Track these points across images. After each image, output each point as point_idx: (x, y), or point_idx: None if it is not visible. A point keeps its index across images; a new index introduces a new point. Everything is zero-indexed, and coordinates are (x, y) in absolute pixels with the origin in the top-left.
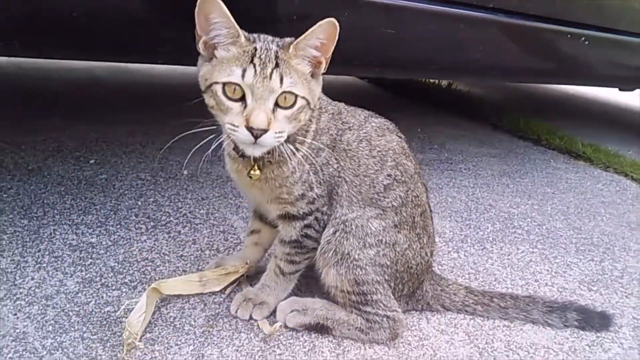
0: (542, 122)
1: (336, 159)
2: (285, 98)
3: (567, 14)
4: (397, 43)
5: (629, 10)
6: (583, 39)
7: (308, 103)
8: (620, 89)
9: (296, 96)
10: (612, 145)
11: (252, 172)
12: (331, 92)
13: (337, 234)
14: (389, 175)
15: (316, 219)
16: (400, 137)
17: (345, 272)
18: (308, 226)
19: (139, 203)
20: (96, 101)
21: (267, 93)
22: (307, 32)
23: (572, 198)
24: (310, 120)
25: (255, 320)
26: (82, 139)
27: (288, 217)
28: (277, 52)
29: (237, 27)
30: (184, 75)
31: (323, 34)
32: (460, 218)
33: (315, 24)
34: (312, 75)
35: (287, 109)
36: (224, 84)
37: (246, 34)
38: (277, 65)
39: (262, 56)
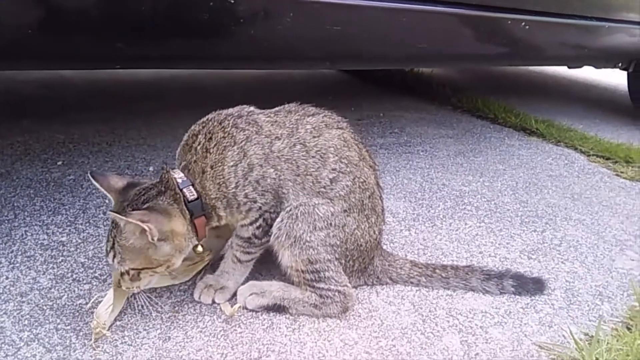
0: (499, 100)
1: (273, 168)
2: None
3: (504, 2)
4: (343, 38)
5: None
6: (523, 24)
7: None
8: (568, 67)
9: None
10: (564, 120)
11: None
12: (298, 78)
13: (284, 220)
14: (334, 169)
15: (264, 219)
16: (341, 129)
17: (299, 253)
18: (258, 227)
19: (107, 201)
20: (64, 102)
21: None
22: None
23: (522, 173)
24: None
25: (218, 304)
26: (49, 140)
27: (242, 225)
28: None
29: None
30: (148, 73)
31: None
32: (414, 198)
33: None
34: None
35: None
36: None
37: None
38: None
39: None
